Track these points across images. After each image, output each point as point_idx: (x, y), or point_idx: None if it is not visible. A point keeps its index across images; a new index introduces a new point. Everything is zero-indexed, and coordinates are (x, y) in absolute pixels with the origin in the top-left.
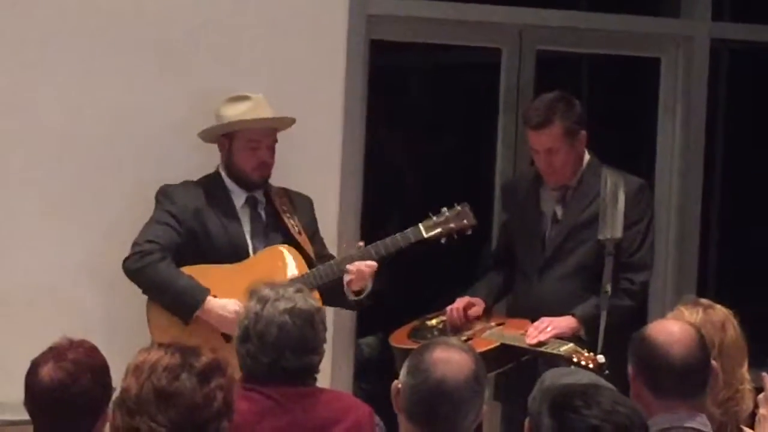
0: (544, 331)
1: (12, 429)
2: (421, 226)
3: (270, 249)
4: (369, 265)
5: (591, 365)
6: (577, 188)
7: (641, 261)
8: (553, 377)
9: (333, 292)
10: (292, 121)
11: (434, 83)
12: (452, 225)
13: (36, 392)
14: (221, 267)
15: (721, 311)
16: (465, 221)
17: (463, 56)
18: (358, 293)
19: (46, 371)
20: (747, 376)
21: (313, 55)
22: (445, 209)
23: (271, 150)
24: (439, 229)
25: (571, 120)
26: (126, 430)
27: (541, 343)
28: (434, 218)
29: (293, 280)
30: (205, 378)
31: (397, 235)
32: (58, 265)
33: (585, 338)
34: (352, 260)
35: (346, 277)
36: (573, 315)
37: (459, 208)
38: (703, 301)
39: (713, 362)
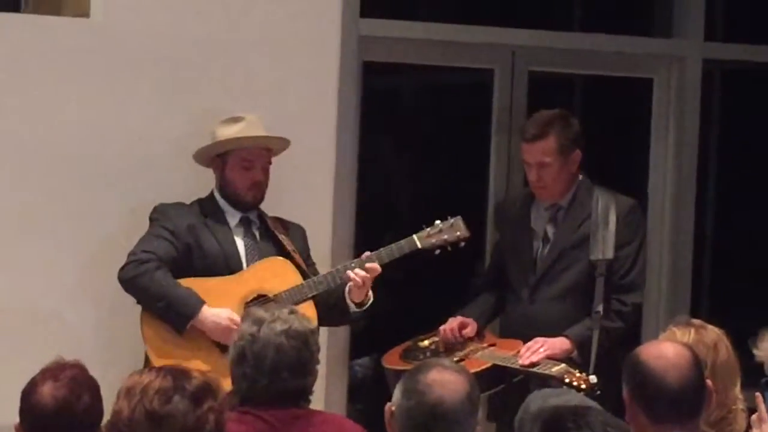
0: (536, 352)
1: None
2: (415, 237)
3: (265, 260)
4: (370, 268)
5: (583, 386)
6: (568, 208)
7: (633, 282)
8: (537, 399)
9: (331, 308)
10: (287, 142)
11: (427, 104)
12: (446, 236)
13: (38, 412)
14: (217, 279)
15: (713, 332)
16: (458, 233)
17: (456, 77)
18: (359, 305)
19: (48, 390)
20: (740, 396)
21: (306, 76)
22: (438, 221)
23: (265, 170)
24: (432, 240)
25: (566, 137)
26: None
27: (533, 364)
28: (428, 229)
29: (291, 290)
30: (197, 400)
31: (392, 245)
32: (51, 286)
33: (578, 360)
34: (350, 268)
35: (347, 287)
36: (567, 336)
37: (452, 220)
38: (695, 321)
39: (708, 382)
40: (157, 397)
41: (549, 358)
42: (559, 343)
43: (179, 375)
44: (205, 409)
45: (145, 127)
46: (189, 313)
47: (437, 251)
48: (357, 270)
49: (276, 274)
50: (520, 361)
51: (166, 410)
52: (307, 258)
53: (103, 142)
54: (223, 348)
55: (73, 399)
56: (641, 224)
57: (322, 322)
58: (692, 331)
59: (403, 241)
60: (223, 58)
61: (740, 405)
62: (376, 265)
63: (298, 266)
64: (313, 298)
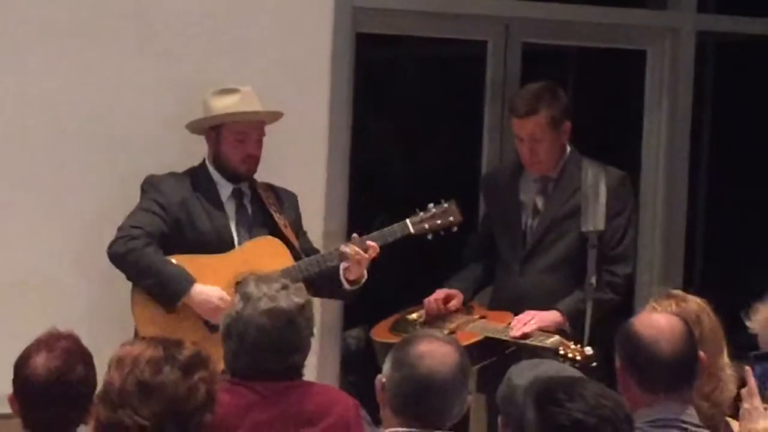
0: (528, 324)
1: None
2: (407, 221)
3: (257, 240)
4: (370, 247)
5: (578, 357)
6: (558, 180)
7: (624, 253)
8: (519, 372)
9: (324, 282)
10: (280, 114)
11: (420, 76)
12: (438, 221)
13: (31, 382)
14: (208, 256)
15: (694, 302)
16: (451, 218)
17: (449, 49)
18: (352, 283)
19: (42, 361)
20: (727, 360)
21: (299, 48)
22: (431, 205)
23: (259, 143)
24: (425, 225)
25: (556, 109)
26: (109, 424)
27: (525, 336)
28: (421, 214)
29: (282, 271)
30: (187, 371)
31: (384, 229)
32: (43, 257)
33: (569, 332)
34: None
35: (343, 265)
36: (558, 309)
37: (446, 204)
38: (676, 293)
39: (701, 354)
40: (148, 367)
41: (540, 330)
42: (551, 316)
43: (170, 345)
44: (195, 379)
45: (136, 98)
46: (179, 292)
47: (430, 236)
48: (355, 247)
49: (268, 254)
50: (511, 333)
51: (157, 380)
52: (299, 227)
53: (95, 113)
54: (211, 326)
55: (67, 370)
56: (631, 195)
57: (315, 293)
58: (673, 304)
59: (395, 226)
60: (216, 28)
61: (728, 370)
62: (375, 245)
63: (289, 244)
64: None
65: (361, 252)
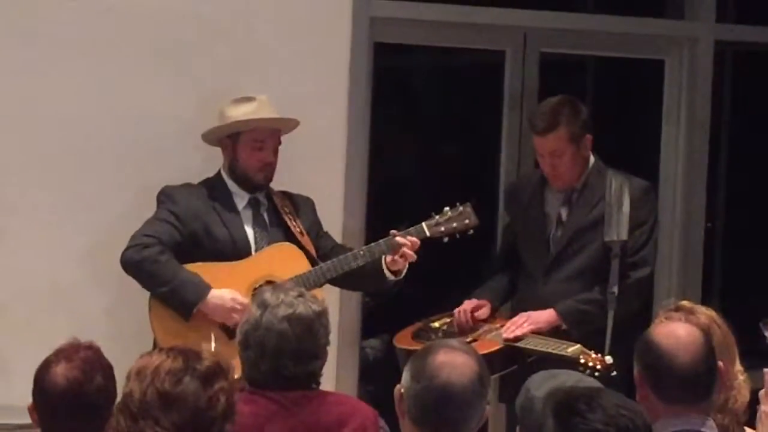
0: (521, 326)
1: None
2: (423, 224)
3: (273, 246)
4: (413, 241)
5: (599, 366)
6: (582, 191)
7: (641, 259)
8: (537, 382)
9: (364, 276)
10: (297, 122)
11: (438, 85)
12: (454, 224)
13: (50, 392)
14: (224, 264)
15: (703, 314)
16: (467, 221)
17: (467, 59)
18: (395, 273)
19: (61, 371)
20: (740, 368)
21: (317, 57)
22: (447, 209)
23: (275, 151)
24: (441, 228)
25: (576, 125)
26: None
27: (518, 338)
28: (437, 217)
29: (300, 276)
30: (208, 381)
31: (401, 232)
32: (61, 266)
33: (569, 332)
34: (380, 248)
35: (389, 258)
36: (554, 309)
37: (461, 208)
38: (684, 305)
39: (720, 364)
40: (168, 378)
41: (534, 332)
42: (545, 316)
43: (190, 356)
44: (215, 389)
45: (153, 107)
46: (194, 299)
47: (446, 239)
48: (402, 239)
49: (285, 260)
50: (504, 335)
51: (177, 391)
52: (318, 230)
53: (112, 122)
54: (229, 333)
55: (86, 380)
56: (654, 205)
57: (355, 287)
58: (682, 318)
59: (411, 229)
60: (234, 37)
61: (741, 376)
62: (416, 240)
63: (305, 251)
64: (321, 285)
65: (413, 239)
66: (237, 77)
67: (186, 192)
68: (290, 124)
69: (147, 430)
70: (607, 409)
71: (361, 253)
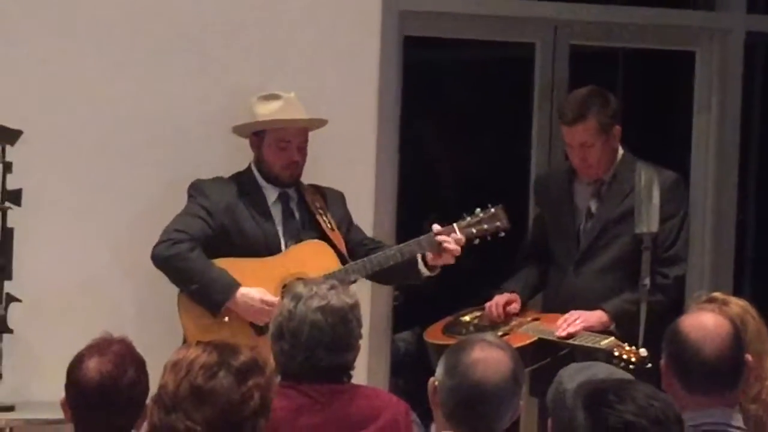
0: (573, 323)
1: (48, 428)
2: (455, 225)
3: (303, 243)
4: (459, 239)
5: (633, 359)
6: (611, 183)
7: (676, 255)
8: (569, 375)
9: (399, 271)
10: (323, 122)
11: (468, 79)
12: (486, 226)
13: (84, 386)
14: (254, 260)
15: (736, 305)
16: (498, 223)
17: (497, 51)
18: (433, 269)
19: (94, 365)
20: None
21: (347, 51)
22: (479, 210)
23: (301, 150)
24: (473, 230)
25: (605, 115)
26: (162, 427)
27: (570, 335)
28: (468, 218)
29: (332, 274)
30: (242, 376)
31: (430, 234)
32: (91, 262)
33: (615, 333)
34: (418, 247)
35: (429, 254)
36: (603, 309)
37: (493, 210)
38: (717, 296)
39: (748, 357)
40: (202, 372)
41: (586, 330)
42: (596, 316)
43: (226, 350)
44: (250, 385)
45: (182, 102)
46: (223, 297)
47: (476, 241)
48: (448, 239)
49: (315, 258)
50: (557, 333)
51: (211, 386)
52: (349, 224)
53: (141, 116)
54: (258, 329)
55: (119, 374)
56: (684, 198)
57: (387, 281)
58: (716, 309)
59: (443, 230)
60: (263, 31)
61: None
62: (462, 237)
63: (336, 248)
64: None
65: (458, 237)
66: (265, 71)
67: (216, 186)
68: (316, 124)
69: (178, 423)
70: (637, 400)
71: (391, 253)
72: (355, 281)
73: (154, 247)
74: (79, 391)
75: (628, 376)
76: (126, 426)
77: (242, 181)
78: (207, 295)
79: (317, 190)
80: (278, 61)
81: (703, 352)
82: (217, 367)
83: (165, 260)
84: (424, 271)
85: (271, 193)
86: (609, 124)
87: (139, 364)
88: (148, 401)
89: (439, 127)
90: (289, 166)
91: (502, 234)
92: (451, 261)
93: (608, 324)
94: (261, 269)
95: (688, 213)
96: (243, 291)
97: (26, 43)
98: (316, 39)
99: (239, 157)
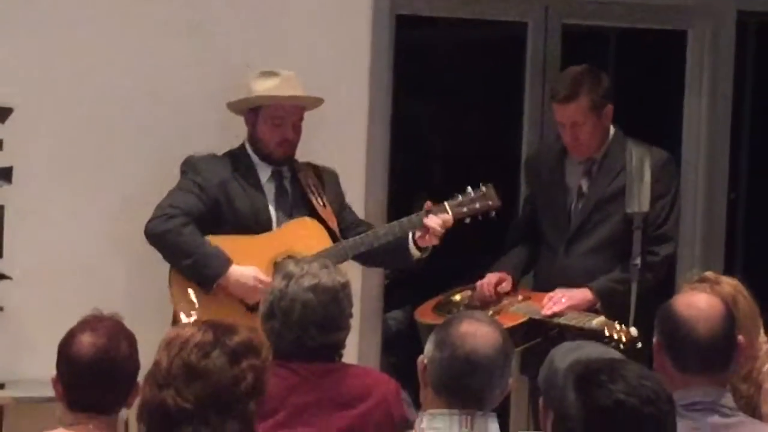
0: (558, 302)
1: (39, 406)
2: (446, 204)
3: (295, 221)
4: (446, 219)
5: (624, 338)
6: (602, 162)
7: (665, 234)
8: (561, 354)
9: (388, 253)
10: (320, 101)
11: (460, 58)
12: (477, 205)
13: (78, 361)
14: (245, 237)
15: (728, 284)
16: (490, 202)
17: (489, 31)
18: (423, 250)
19: (87, 339)
20: (764, 339)
21: (339, 30)
22: (470, 189)
23: (296, 128)
24: (464, 209)
25: (597, 94)
26: (153, 402)
27: (556, 314)
28: (460, 197)
29: (324, 252)
30: (236, 357)
31: (421, 212)
32: (82, 240)
33: (600, 311)
34: (409, 224)
35: (417, 233)
36: (589, 288)
37: (484, 189)
38: (709, 275)
39: (740, 337)
40: (196, 350)
41: (571, 308)
42: (581, 294)
43: (222, 330)
44: (243, 366)
45: (176, 79)
46: (216, 273)
47: (468, 220)
48: (433, 217)
49: (306, 236)
50: (543, 312)
51: (203, 365)
52: (342, 205)
53: (134, 94)
54: (248, 307)
55: (113, 347)
56: (675, 177)
57: (378, 264)
58: (707, 288)
59: (434, 209)
60: (257, 12)
61: (765, 347)
62: (450, 217)
63: (327, 226)
64: (344, 261)
65: (439, 221)
66: (259, 50)
67: (210, 162)
68: (313, 102)
69: (168, 399)
70: (628, 379)
71: (383, 232)
72: (345, 260)
73: (148, 222)
74: (73, 367)
75: (621, 356)
76: (119, 402)
77: (236, 158)
78: (200, 271)
79: (311, 168)
80: (270, 39)
81: (695, 331)
82: (211, 347)
83: (158, 236)
84: (415, 253)
85: (265, 171)
86: (601, 103)
87: (131, 339)
88: (139, 378)
89: (431, 106)
90: (282, 144)
91: (493, 213)
92: (436, 241)
93: (594, 303)
94: (252, 246)
95: (679, 192)
96: (237, 269)
97: (16, 19)
98: (308, 17)
99: (233, 135)
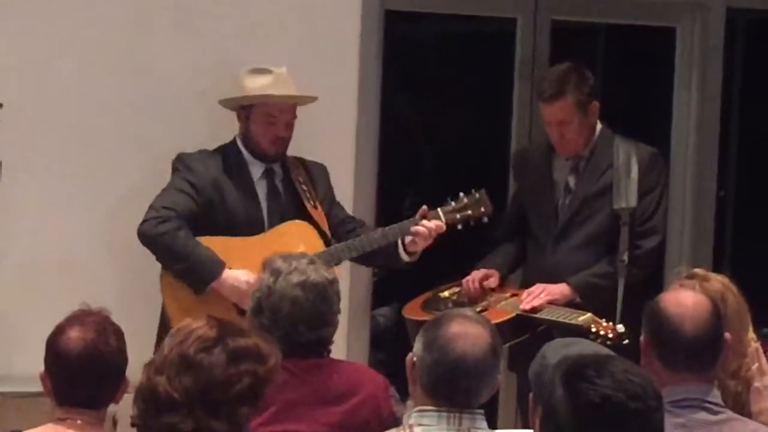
0: (537, 297)
1: (27, 401)
2: (439, 211)
3: (287, 224)
4: (438, 226)
5: (610, 335)
6: (589, 158)
7: (651, 228)
8: (552, 350)
9: (378, 254)
10: (312, 98)
11: (449, 53)
12: (470, 212)
13: (66, 356)
14: (238, 239)
15: (717, 281)
16: (482, 209)
17: (478, 26)
18: (412, 254)
19: (76, 334)
20: (753, 336)
21: (328, 25)
22: (462, 195)
23: (289, 126)
24: (457, 216)
25: (583, 92)
26: (147, 387)
27: (534, 309)
28: (452, 204)
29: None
30: (235, 358)
31: (415, 217)
32: (71, 236)
33: (581, 304)
34: (401, 230)
35: (408, 238)
36: (567, 283)
37: (477, 195)
38: (698, 272)
39: (726, 335)
40: (196, 343)
41: (550, 303)
42: (559, 289)
43: (230, 330)
44: (241, 369)
45: (166, 74)
46: (209, 277)
47: (460, 227)
48: (426, 223)
49: (299, 239)
50: (521, 306)
51: (199, 358)
52: (332, 201)
53: (125, 90)
54: (240, 310)
55: (101, 341)
56: (662, 172)
57: (368, 263)
58: (696, 285)
59: (427, 215)
60: (247, 6)
61: (754, 344)
62: (442, 224)
63: (319, 228)
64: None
65: (431, 225)
66: (249, 45)
67: (202, 160)
68: (306, 101)
69: (159, 386)
70: (616, 375)
71: (375, 236)
72: (338, 263)
73: (141, 224)
74: (62, 361)
75: (613, 353)
76: (107, 397)
77: (227, 155)
78: (193, 275)
79: (301, 163)
80: (260, 36)
81: (682, 329)
82: (212, 343)
83: (152, 238)
84: (404, 257)
85: (257, 169)
86: (586, 101)
87: (119, 333)
88: (128, 373)
89: (420, 101)
90: (275, 142)
91: (486, 220)
92: (424, 245)
93: (572, 297)
94: (244, 248)
95: (666, 187)
96: (230, 273)
97: (6, 16)
98: (297, 12)
99: (225, 131)
